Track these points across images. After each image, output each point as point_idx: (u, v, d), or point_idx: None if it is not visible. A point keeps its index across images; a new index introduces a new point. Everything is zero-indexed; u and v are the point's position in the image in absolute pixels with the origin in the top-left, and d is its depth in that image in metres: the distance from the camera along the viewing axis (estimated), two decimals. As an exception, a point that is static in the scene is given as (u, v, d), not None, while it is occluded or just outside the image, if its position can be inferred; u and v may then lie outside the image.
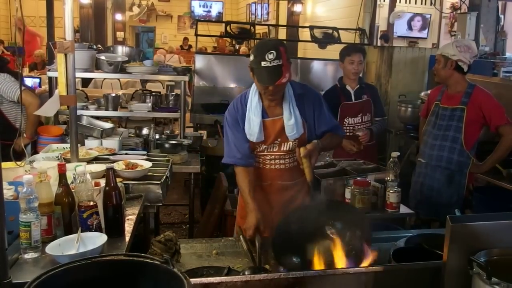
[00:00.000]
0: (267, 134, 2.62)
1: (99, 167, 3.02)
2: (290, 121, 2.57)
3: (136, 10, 15.99)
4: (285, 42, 10.28)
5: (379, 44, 8.09)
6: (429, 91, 5.18)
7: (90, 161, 3.40)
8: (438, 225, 3.35)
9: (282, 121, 2.59)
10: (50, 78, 4.61)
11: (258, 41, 2.83)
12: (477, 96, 3.42)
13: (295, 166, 2.64)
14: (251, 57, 2.45)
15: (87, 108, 4.66)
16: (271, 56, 2.35)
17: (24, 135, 4.08)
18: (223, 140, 2.80)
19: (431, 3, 9.67)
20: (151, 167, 3.29)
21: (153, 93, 5.44)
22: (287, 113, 2.57)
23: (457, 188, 3.51)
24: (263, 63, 2.35)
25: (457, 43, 3.52)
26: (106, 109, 4.73)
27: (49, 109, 3.26)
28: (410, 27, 10.79)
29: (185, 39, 16.25)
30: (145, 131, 4.65)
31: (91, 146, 3.84)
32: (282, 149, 2.64)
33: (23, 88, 4.12)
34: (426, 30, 10.94)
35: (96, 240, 2.04)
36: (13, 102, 4.18)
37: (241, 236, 2.30)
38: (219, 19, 16.14)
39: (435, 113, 3.63)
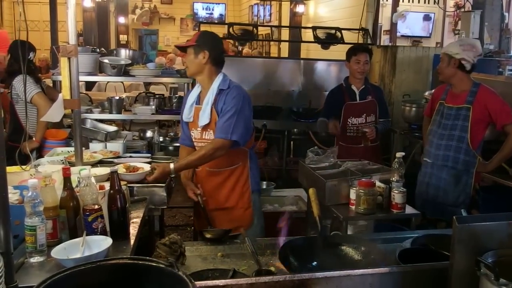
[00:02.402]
0: (194, 118, 3.02)
1: (104, 170, 3.02)
2: (205, 108, 2.95)
3: (138, 12, 15.99)
4: (287, 43, 10.30)
5: (382, 43, 8.07)
6: (433, 90, 5.17)
7: (95, 164, 3.40)
8: (445, 225, 3.32)
9: (199, 109, 3.00)
10: (54, 82, 4.62)
11: None
12: (483, 95, 3.42)
13: None
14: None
15: (91, 112, 4.67)
16: None
17: (34, 138, 4.09)
18: None
19: (434, 1, 9.64)
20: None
21: (157, 96, 5.45)
22: (206, 101, 2.96)
23: (463, 188, 3.51)
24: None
25: (461, 42, 3.55)
26: (110, 112, 4.74)
27: (54, 114, 3.25)
28: (414, 27, 10.76)
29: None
30: (149, 133, 4.66)
31: (96, 149, 3.84)
32: (203, 137, 3.01)
33: (37, 91, 4.15)
34: (430, 29, 10.91)
35: (101, 243, 2.04)
36: (27, 103, 4.18)
37: (246, 238, 2.29)
38: (221, 21, 16.14)
39: (440, 112, 3.63)
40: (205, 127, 2.98)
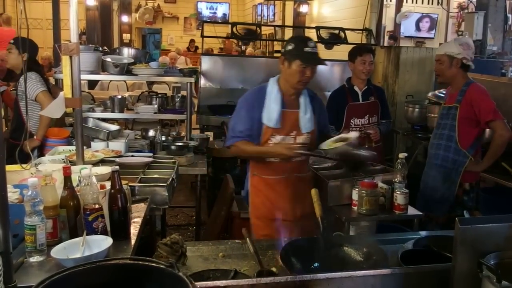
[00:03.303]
0: (283, 123, 2.82)
1: (105, 170, 3.01)
2: (306, 115, 2.85)
3: (141, 11, 15.98)
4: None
5: (386, 44, 8.05)
6: (436, 91, 5.16)
7: (96, 163, 3.40)
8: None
9: (298, 114, 2.85)
10: (56, 80, 4.62)
11: (292, 36, 3.06)
12: (470, 93, 3.43)
13: (306, 158, 2.95)
14: (290, 47, 2.76)
15: (93, 110, 4.66)
16: (312, 44, 2.76)
17: (35, 136, 4.09)
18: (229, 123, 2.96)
19: (438, 2, 9.62)
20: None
21: (159, 95, 5.45)
22: (303, 107, 2.86)
23: (449, 186, 3.53)
24: (306, 49, 2.71)
25: (459, 41, 3.55)
26: (112, 111, 4.73)
27: (55, 110, 3.25)
28: (417, 27, 10.74)
29: (192, 41, 16.27)
30: (151, 133, 4.65)
31: (97, 148, 3.83)
32: (296, 142, 2.84)
33: (43, 89, 4.17)
34: (433, 30, 10.88)
35: (101, 243, 2.03)
36: (32, 100, 4.18)
37: (247, 239, 2.28)
38: (225, 21, 16.14)
39: (439, 113, 3.71)
40: (303, 133, 2.87)
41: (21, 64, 4.18)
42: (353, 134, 2.93)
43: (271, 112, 2.80)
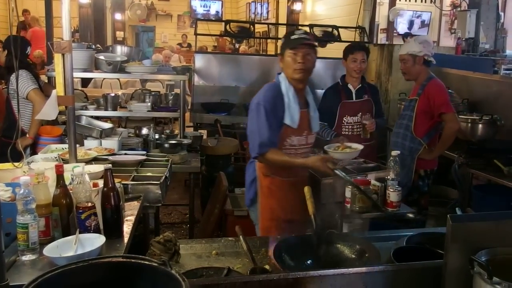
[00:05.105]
0: (299, 124, 2.78)
1: (98, 168, 3.00)
2: (315, 113, 2.86)
3: (133, 7, 15.88)
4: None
5: (379, 42, 8.06)
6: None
7: (89, 161, 3.39)
8: None
9: (308, 113, 2.84)
10: (49, 78, 4.60)
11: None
12: (429, 88, 3.72)
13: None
14: (282, 42, 2.78)
15: (86, 108, 4.64)
16: (299, 32, 2.75)
17: (27, 135, 4.07)
18: (250, 131, 2.82)
19: (431, 1, 9.64)
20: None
21: (153, 93, 5.43)
22: (312, 105, 2.85)
23: (407, 172, 3.73)
24: (293, 37, 2.71)
25: (418, 40, 3.85)
26: (106, 109, 4.72)
27: (49, 112, 3.23)
28: (410, 25, 10.75)
29: (184, 36, 16.25)
30: (144, 131, 4.64)
31: (90, 146, 3.82)
32: (308, 141, 2.87)
33: (34, 87, 4.14)
34: (426, 28, 10.90)
35: (94, 241, 2.03)
36: (23, 99, 4.16)
37: (240, 236, 2.28)
38: (218, 18, 16.10)
39: (404, 105, 4.04)
40: (310, 132, 2.88)
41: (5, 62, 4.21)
42: (359, 146, 3.10)
43: (293, 113, 2.74)
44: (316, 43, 2.82)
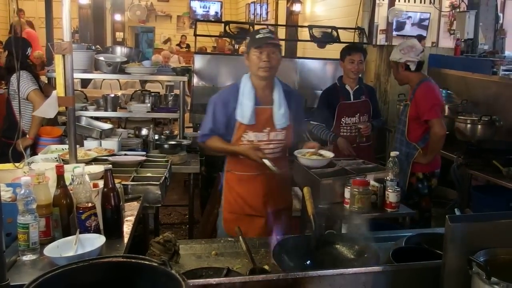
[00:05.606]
0: (257, 120, 2.83)
1: (98, 168, 3.01)
2: (280, 110, 2.83)
3: (132, 8, 15.87)
4: (284, 41, 10.29)
5: (378, 43, 8.07)
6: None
7: (89, 162, 3.39)
8: None
9: (272, 110, 2.85)
10: (49, 79, 4.61)
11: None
12: (418, 92, 3.72)
13: (283, 155, 2.97)
14: (248, 41, 2.85)
15: (86, 109, 4.65)
16: (264, 31, 2.80)
17: (28, 135, 4.08)
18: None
19: (430, 2, 9.67)
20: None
21: (152, 94, 5.44)
22: (277, 102, 2.84)
23: (403, 175, 3.70)
24: (257, 36, 2.76)
25: (400, 47, 3.86)
26: (105, 110, 4.73)
27: (48, 110, 3.24)
28: (409, 26, 10.77)
29: (183, 36, 16.27)
30: (144, 131, 4.65)
31: (90, 147, 3.83)
32: (270, 138, 2.86)
33: (34, 87, 4.16)
34: (426, 29, 10.92)
35: (94, 241, 2.03)
36: (23, 99, 4.17)
37: (240, 237, 2.29)
38: (217, 19, 16.11)
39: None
40: (277, 129, 2.88)
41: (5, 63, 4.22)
42: (330, 154, 3.07)
43: (244, 109, 2.81)
44: (280, 43, 2.88)
